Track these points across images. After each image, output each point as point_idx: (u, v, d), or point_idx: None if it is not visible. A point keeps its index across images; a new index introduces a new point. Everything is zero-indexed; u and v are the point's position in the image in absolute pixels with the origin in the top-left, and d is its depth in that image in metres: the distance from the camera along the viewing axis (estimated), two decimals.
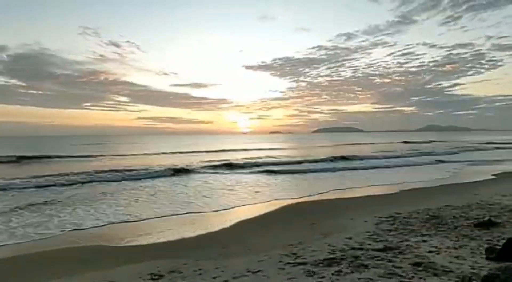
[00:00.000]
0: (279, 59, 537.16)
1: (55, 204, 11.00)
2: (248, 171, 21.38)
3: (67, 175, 17.36)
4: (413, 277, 4.21)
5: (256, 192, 13.50)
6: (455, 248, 5.32)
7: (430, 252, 5.17)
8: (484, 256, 4.84)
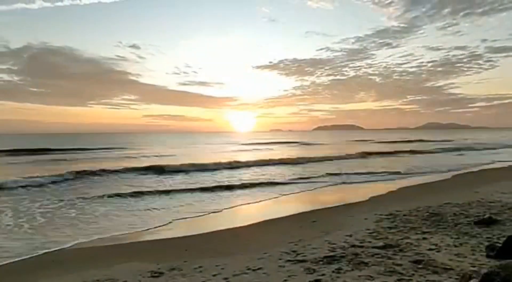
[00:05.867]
0: (286, 59, 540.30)
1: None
2: None
3: None
4: (413, 274, 4.20)
5: None
6: (455, 246, 5.32)
7: (430, 249, 5.17)
8: (485, 253, 4.84)
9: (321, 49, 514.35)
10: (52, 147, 44.08)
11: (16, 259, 6.05)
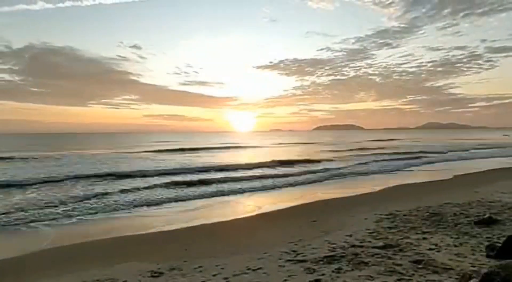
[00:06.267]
0: (286, 59, 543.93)
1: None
2: None
3: None
4: (413, 274, 4.20)
5: None
6: (455, 246, 5.32)
7: (430, 249, 5.17)
8: (485, 253, 4.84)
9: (322, 49, 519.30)
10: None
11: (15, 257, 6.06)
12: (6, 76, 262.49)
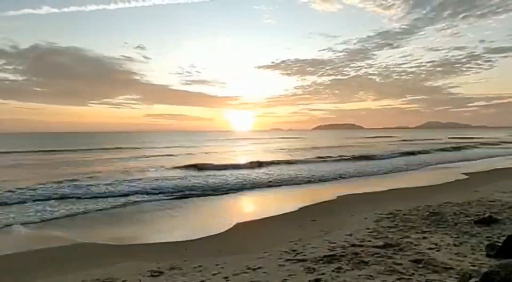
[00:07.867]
0: (288, 60, 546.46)
1: None
2: None
3: None
4: (413, 274, 4.20)
5: None
6: (455, 245, 5.32)
7: (430, 249, 5.17)
8: (485, 253, 4.84)
9: (323, 49, 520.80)
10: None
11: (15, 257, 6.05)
12: (10, 76, 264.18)
